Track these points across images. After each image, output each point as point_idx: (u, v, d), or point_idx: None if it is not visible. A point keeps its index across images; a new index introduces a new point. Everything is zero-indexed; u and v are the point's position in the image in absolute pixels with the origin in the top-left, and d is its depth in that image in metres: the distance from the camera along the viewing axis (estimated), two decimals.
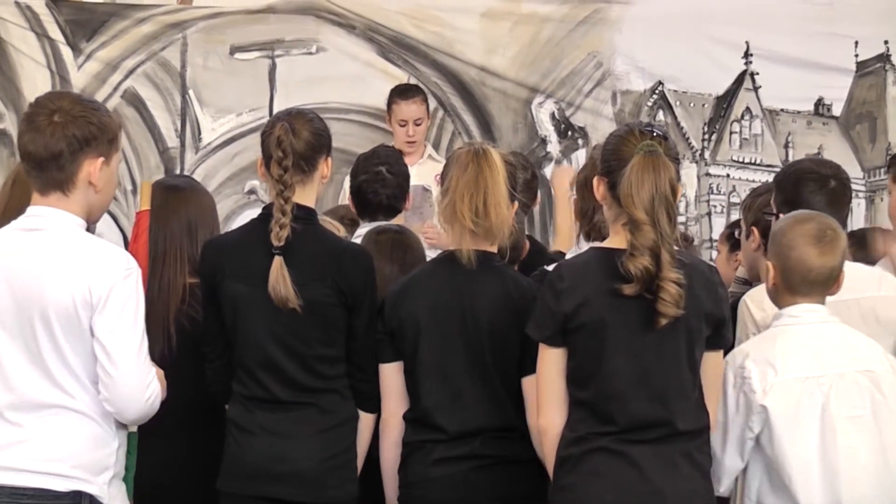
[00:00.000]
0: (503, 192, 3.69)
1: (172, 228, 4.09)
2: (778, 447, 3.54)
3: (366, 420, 3.86)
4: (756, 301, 3.98)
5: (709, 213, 7.15)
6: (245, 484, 3.78)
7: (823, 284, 3.64)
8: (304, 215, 3.81)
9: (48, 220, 3.34)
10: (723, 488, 3.66)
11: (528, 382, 3.64)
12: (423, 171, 6.35)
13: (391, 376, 3.79)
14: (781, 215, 4.04)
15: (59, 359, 3.29)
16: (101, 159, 3.37)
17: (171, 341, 3.99)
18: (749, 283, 4.49)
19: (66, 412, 3.31)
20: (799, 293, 3.64)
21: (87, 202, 3.39)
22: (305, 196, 3.83)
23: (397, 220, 4.72)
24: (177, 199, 4.14)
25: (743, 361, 3.60)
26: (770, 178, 6.72)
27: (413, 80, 6.99)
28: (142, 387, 3.32)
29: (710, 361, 3.53)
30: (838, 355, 3.60)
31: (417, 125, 6.63)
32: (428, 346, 3.70)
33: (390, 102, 6.67)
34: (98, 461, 3.34)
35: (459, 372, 3.69)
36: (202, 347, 3.90)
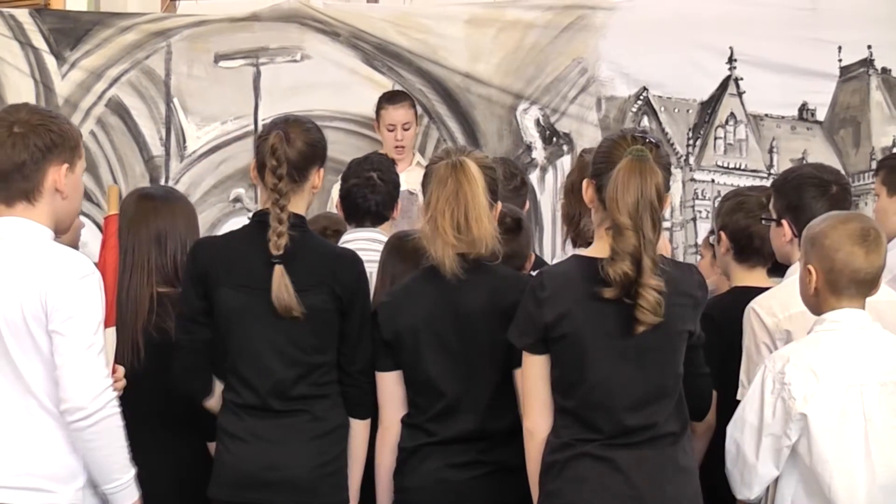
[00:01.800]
0: (483, 204, 3.68)
1: (141, 238, 4.08)
2: (817, 456, 3.50)
3: (358, 427, 3.87)
4: (765, 308, 3.96)
5: (694, 219, 7.15)
6: (237, 492, 3.78)
7: (870, 285, 3.60)
8: (296, 223, 3.81)
9: (7, 231, 3.36)
10: (753, 496, 3.62)
11: (518, 375, 3.64)
12: (412, 178, 6.32)
13: (390, 385, 3.79)
14: (784, 222, 4.05)
15: (27, 364, 3.28)
16: (66, 165, 3.41)
17: (139, 353, 3.99)
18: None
19: (37, 417, 3.30)
20: (845, 296, 3.58)
21: (53, 210, 3.41)
22: (296, 204, 3.84)
23: (384, 228, 4.71)
24: (147, 208, 4.13)
25: (783, 367, 3.54)
26: (755, 183, 6.78)
27: (398, 87, 6.99)
28: (94, 384, 3.29)
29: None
30: (882, 363, 3.56)
31: (406, 130, 6.64)
32: (428, 355, 3.70)
33: (379, 108, 6.68)
34: (68, 466, 3.33)
35: (459, 379, 3.69)
36: (177, 335, 3.85)
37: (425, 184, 3.80)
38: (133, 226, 4.05)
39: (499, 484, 3.68)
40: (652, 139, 3.50)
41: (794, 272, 3.98)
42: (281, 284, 3.71)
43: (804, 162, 6.84)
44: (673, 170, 7.01)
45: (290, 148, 3.80)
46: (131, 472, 3.44)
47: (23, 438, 3.30)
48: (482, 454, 3.69)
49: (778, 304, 3.95)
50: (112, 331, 3.63)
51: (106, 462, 3.37)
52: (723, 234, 4.34)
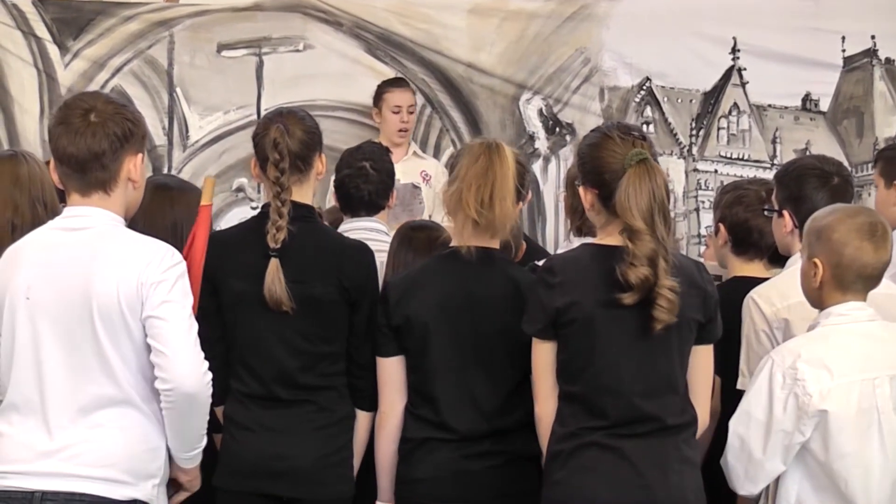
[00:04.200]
0: (510, 186, 3.67)
1: (157, 228, 4.07)
2: (836, 452, 3.48)
3: (363, 419, 3.86)
4: (764, 297, 3.96)
5: (697, 209, 7.16)
6: (242, 481, 3.79)
7: (876, 280, 3.59)
8: (303, 213, 3.82)
9: (92, 220, 3.34)
10: (757, 490, 3.60)
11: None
12: (408, 168, 6.37)
13: (392, 370, 3.76)
14: (785, 213, 4.06)
15: (116, 353, 3.26)
16: (140, 155, 3.40)
17: None
18: (720, 279, 4.47)
19: (120, 406, 3.28)
20: (851, 290, 3.57)
21: (125, 199, 3.40)
22: (303, 194, 3.85)
23: (380, 217, 4.70)
24: (164, 199, 4.13)
25: (794, 362, 3.50)
26: (758, 173, 6.79)
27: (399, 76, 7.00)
28: (198, 364, 3.28)
29: (700, 355, 3.55)
30: (889, 355, 3.56)
31: (410, 113, 6.66)
32: (438, 343, 3.68)
33: (382, 92, 6.69)
34: (146, 464, 3.32)
35: (469, 369, 3.68)
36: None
37: (455, 162, 3.78)
38: (149, 216, 4.05)
39: (515, 473, 3.67)
40: (637, 132, 3.50)
41: (794, 262, 3.99)
42: (274, 278, 3.72)
43: (807, 152, 6.85)
44: (676, 160, 7.08)
45: (291, 140, 3.81)
46: (205, 439, 3.46)
47: (108, 432, 3.27)
48: (495, 444, 3.67)
49: (777, 293, 3.95)
50: None
51: (193, 431, 3.39)
52: (721, 227, 4.35)
